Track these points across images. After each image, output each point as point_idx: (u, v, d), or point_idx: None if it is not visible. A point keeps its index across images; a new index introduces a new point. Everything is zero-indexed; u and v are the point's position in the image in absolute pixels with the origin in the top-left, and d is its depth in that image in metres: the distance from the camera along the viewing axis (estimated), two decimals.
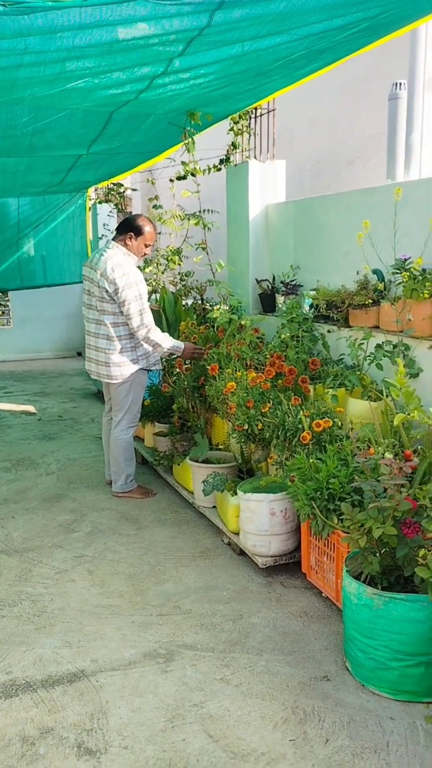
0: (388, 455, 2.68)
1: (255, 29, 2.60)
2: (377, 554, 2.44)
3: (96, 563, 3.53)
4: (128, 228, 4.14)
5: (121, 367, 4.17)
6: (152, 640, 2.82)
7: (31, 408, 7.19)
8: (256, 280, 5.16)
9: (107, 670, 2.63)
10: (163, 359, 4.61)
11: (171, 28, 2.41)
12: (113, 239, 4.19)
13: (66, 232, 8.47)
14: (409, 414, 2.34)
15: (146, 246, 4.22)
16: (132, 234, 4.12)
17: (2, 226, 8.00)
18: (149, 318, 4.09)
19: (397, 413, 2.74)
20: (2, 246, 8.13)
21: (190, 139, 4.64)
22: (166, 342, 4.16)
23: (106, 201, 8.23)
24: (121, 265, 4.02)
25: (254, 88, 3.90)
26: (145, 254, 4.28)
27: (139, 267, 4.40)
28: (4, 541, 3.82)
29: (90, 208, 8.30)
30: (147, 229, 4.15)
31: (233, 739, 2.25)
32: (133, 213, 9.99)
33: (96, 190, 8.19)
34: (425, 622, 2.34)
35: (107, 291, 4.01)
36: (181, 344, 4.26)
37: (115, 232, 4.27)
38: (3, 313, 10.62)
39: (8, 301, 10.42)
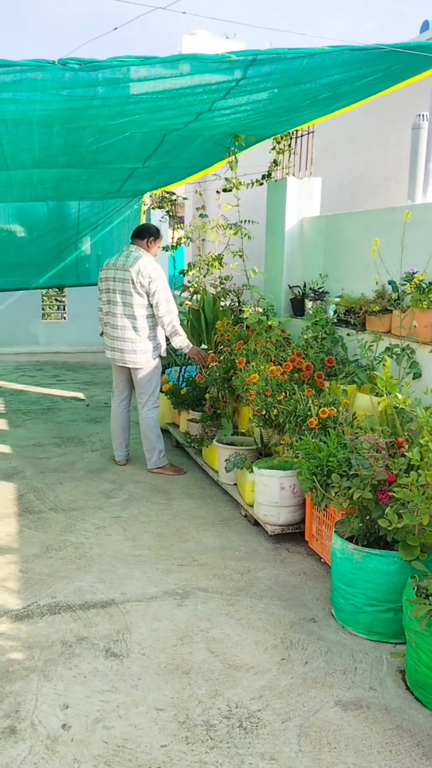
0: (382, 440, 3.16)
1: (284, 80, 3.13)
2: (359, 517, 2.94)
3: (130, 523, 4.12)
4: (150, 234, 4.92)
5: (146, 354, 4.85)
6: (172, 582, 3.38)
7: (80, 395, 7.87)
8: (289, 286, 5.67)
9: (133, 601, 3.20)
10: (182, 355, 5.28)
11: (213, 81, 2.96)
12: (133, 243, 4.84)
13: (121, 234, 9.11)
14: (390, 398, 2.84)
15: (158, 247, 4.98)
16: (153, 238, 4.91)
17: (63, 227, 8.68)
18: (174, 306, 4.74)
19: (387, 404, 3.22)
20: (62, 245, 8.81)
21: (233, 158, 5.19)
22: (183, 333, 4.89)
23: (159, 207, 8.85)
24: (151, 263, 4.82)
25: (290, 119, 4.43)
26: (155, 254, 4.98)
27: None
28: (54, 502, 4.45)
29: (144, 212, 8.94)
30: (160, 234, 4.95)
31: (230, 656, 2.78)
32: (184, 219, 10.62)
33: (151, 196, 8.82)
34: (395, 575, 2.82)
35: (141, 285, 4.69)
36: (191, 344, 4.98)
37: (134, 237, 4.91)
38: (59, 308, 11.37)
39: (65, 296, 11.15)
